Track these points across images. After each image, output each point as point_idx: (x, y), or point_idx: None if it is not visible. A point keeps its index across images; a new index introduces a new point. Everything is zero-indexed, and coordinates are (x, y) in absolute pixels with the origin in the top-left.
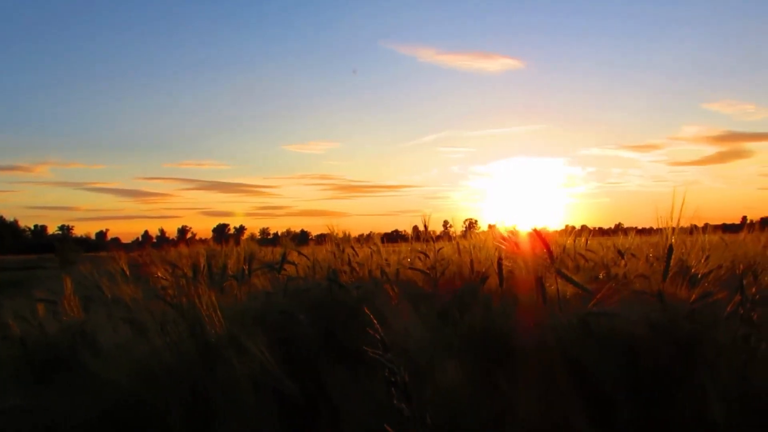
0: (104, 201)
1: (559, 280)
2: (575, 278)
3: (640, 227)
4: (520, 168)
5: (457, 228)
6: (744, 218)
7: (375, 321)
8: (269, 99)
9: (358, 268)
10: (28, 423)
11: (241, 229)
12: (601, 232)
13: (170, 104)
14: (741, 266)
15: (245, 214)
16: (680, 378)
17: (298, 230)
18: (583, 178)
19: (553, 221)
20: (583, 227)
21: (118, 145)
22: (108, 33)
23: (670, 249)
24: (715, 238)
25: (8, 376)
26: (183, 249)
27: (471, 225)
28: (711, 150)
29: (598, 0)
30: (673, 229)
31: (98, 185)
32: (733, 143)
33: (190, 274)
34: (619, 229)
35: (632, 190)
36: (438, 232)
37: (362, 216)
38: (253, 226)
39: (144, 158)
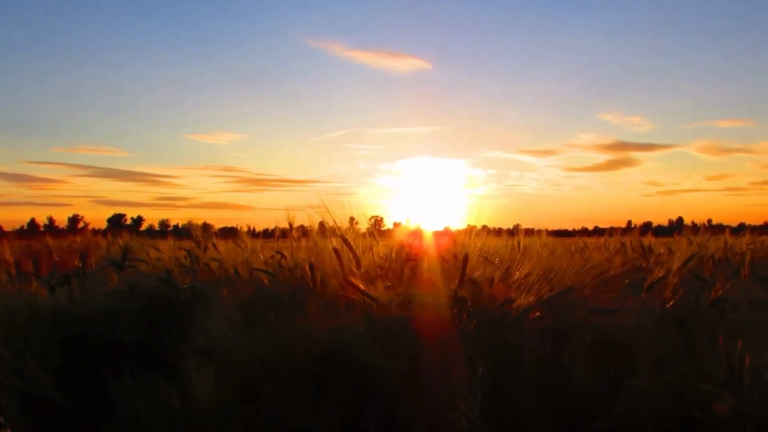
0: None
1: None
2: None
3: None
4: (425, 167)
5: (363, 225)
6: (629, 222)
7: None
8: (172, 86)
9: (216, 268)
10: None
11: (138, 220)
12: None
13: (63, 85)
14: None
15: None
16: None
17: (200, 222)
18: (483, 179)
19: (456, 221)
20: (484, 227)
21: (2, 126)
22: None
23: (466, 258)
24: (580, 241)
25: None
26: (6, 242)
27: (377, 222)
28: (602, 158)
29: (506, 6)
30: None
31: None
32: (621, 152)
33: (13, 271)
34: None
35: (529, 193)
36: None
37: (267, 210)
38: (153, 218)
39: (32, 141)
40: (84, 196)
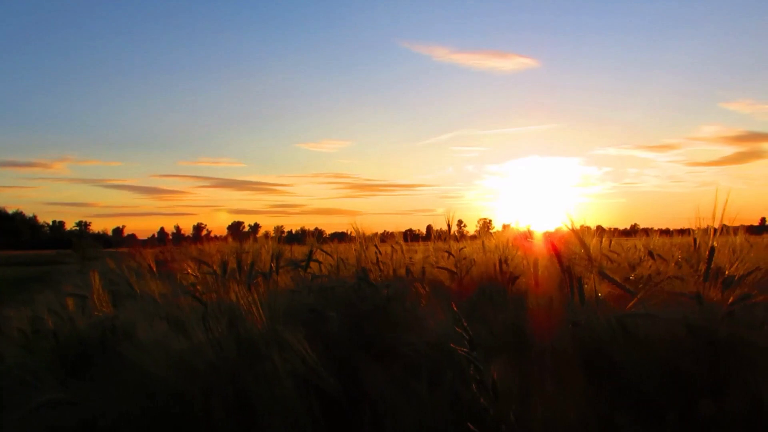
0: (121, 198)
1: (593, 280)
2: (618, 278)
3: (656, 228)
4: (535, 167)
5: (471, 228)
6: (762, 219)
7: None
8: (283, 97)
9: (383, 267)
10: (71, 416)
11: (256, 227)
12: (618, 232)
13: (186, 102)
14: None
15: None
16: (722, 379)
17: (312, 228)
18: (598, 177)
19: (567, 222)
20: (598, 227)
21: (134, 142)
22: (125, 31)
23: (712, 250)
24: (740, 239)
25: (42, 369)
26: (206, 246)
27: (486, 225)
28: (729, 150)
29: None
30: (715, 229)
31: (115, 182)
32: (751, 143)
33: (219, 271)
34: (635, 230)
35: (648, 191)
36: (455, 232)
37: (376, 215)
38: (268, 224)
39: (160, 156)
40: (207, 206)
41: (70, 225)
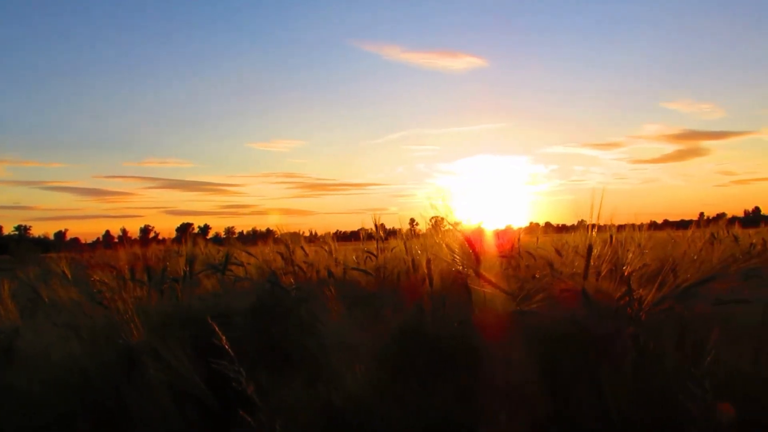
0: (63, 200)
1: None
2: (495, 279)
3: (602, 224)
4: (485, 166)
5: (423, 226)
6: (701, 215)
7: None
8: (233, 96)
9: (306, 269)
10: None
11: (206, 228)
12: (564, 229)
13: (131, 102)
14: (666, 264)
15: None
16: (587, 375)
17: (264, 229)
18: (546, 175)
19: (518, 219)
20: (547, 224)
21: (76, 143)
22: (68, 28)
23: (590, 248)
24: (664, 234)
25: None
26: (122, 251)
27: (437, 223)
28: (670, 148)
29: None
30: (593, 226)
31: (56, 184)
32: (691, 141)
33: (128, 276)
34: (581, 226)
35: (594, 188)
36: (404, 231)
37: (328, 214)
38: (218, 225)
39: (104, 157)
40: (154, 207)
41: (8, 229)
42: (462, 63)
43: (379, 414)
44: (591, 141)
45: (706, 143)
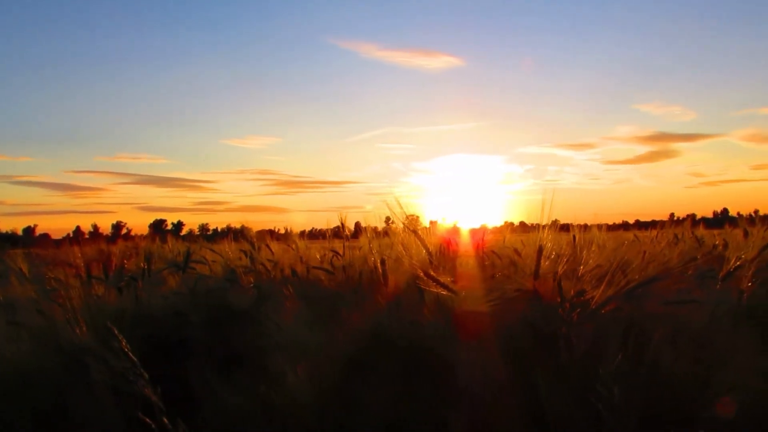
0: (32, 195)
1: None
2: (448, 280)
3: (575, 224)
4: (461, 165)
5: (399, 225)
6: (671, 215)
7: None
8: (207, 92)
9: (271, 267)
10: None
11: (179, 225)
12: (536, 228)
13: (103, 96)
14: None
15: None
16: (527, 376)
17: (238, 226)
18: (520, 175)
19: (493, 218)
20: (522, 223)
21: (46, 137)
22: (34, 21)
23: (540, 250)
24: (630, 235)
25: None
26: (83, 248)
27: (413, 221)
28: (642, 149)
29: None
30: (545, 227)
31: (25, 178)
32: (662, 143)
33: (84, 274)
34: (554, 226)
35: (568, 188)
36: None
37: (304, 212)
38: (193, 222)
39: (74, 151)
40: (126, 203)
41: None
42: (439, 62)
43: (328, 416)
44: (565, 141)
45: (676, 145)
